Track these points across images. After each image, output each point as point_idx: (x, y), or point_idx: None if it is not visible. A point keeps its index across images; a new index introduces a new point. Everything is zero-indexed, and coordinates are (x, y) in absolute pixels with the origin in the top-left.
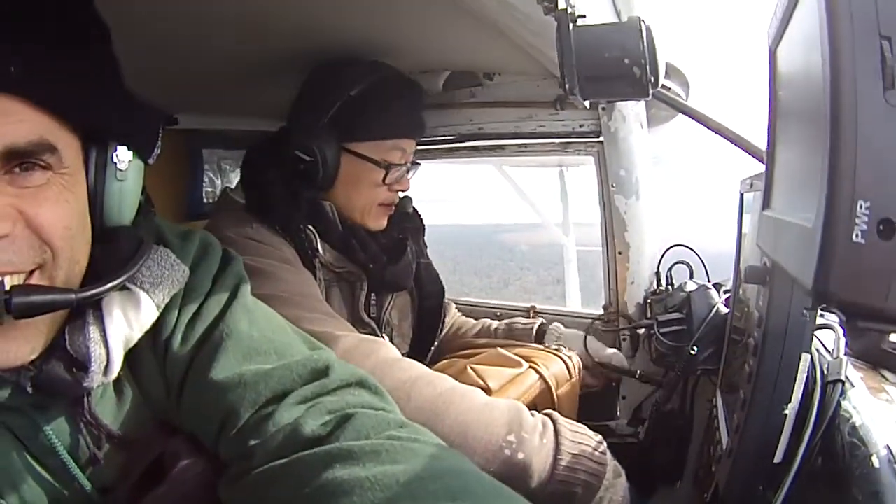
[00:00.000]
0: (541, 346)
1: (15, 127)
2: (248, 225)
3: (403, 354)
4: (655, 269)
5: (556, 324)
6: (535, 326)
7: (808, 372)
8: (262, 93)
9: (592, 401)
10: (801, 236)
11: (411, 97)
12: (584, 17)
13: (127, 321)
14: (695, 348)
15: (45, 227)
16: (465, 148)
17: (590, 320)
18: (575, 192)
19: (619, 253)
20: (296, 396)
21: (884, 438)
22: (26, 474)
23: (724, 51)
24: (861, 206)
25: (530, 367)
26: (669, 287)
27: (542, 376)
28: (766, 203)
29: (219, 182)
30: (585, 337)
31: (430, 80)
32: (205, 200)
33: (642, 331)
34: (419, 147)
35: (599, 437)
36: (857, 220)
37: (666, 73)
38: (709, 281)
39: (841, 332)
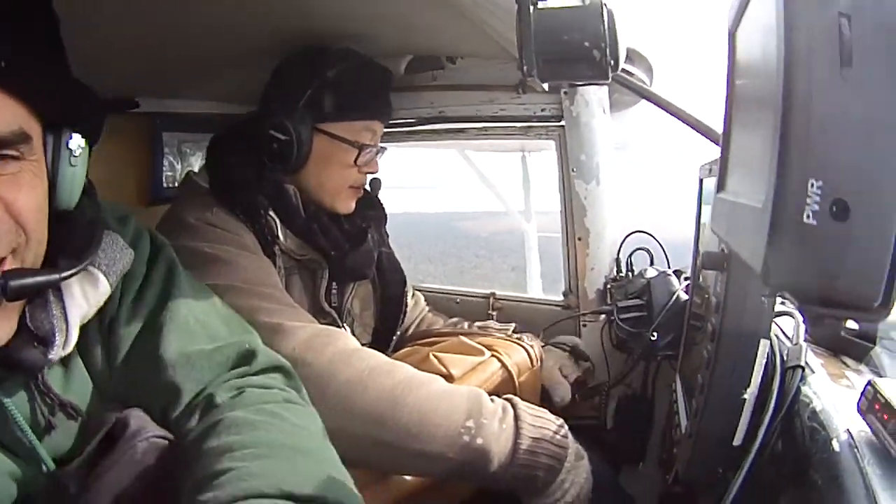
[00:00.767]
0: (502, 335)
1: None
2: (209, 210)
3: (365, 344)
4: (616, 256)
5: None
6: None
7: (767, 358)
8: (224, 77)
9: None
10: (751, 217)
11: (382, 81)
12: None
13: (85, 299)
14: (654, 334)
15: (23, 212)
16: (426, 131)
17: (549, 306)
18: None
19: (579, 239)
20: (224, 379)
21: (844, 423)
22: None
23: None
24: (812, 185)
25: (492, 355)
26: (630, 273)
27: (503, 364)
28: (720, 186)
29: (179, 166)
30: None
31: (393, 64)
32: (165, 185)
33: (602, 317)
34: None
35: (560, 421)
36: (808, 200)
37: (629, 58)
38: (669, 268)
39: (801, 318)
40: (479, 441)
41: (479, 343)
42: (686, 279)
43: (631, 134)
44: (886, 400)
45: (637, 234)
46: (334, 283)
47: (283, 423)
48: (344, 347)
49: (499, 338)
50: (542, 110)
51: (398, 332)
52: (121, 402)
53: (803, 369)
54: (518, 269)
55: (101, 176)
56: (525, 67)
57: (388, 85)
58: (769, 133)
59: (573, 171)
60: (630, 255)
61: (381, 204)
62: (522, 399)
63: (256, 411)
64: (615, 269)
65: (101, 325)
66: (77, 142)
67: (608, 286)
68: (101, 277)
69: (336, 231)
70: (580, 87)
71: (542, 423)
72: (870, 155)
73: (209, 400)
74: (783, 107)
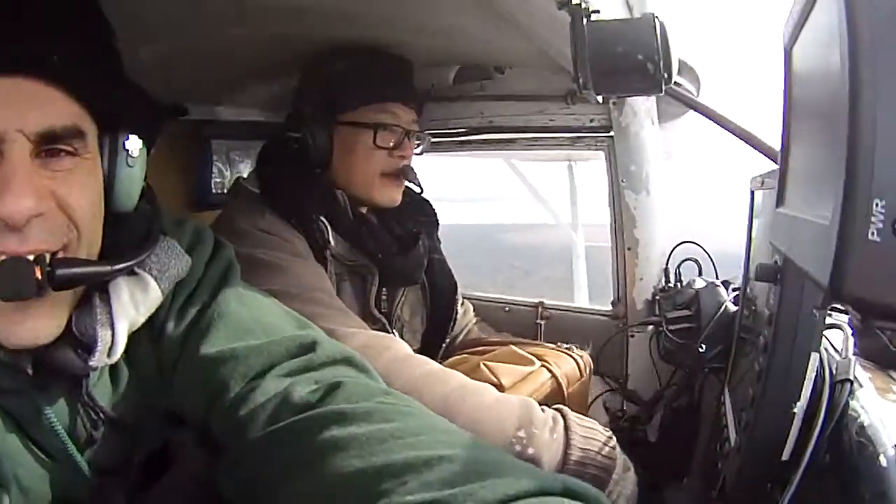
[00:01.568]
0: (552, 345)
1: (52, 111)
2: (261, 216)
3: (414, 350)
4: (664, 266)
5: None
6: None
7: (816, 371)
8: (272, 84)
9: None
10: (816, 234)
11: (394, 65)
12: (598, 12)
13: (134, 304)
14: (703, 346)
15: (75, 207)
16: (475, 141)
17: (597, 316)
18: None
19: (629, 249)
20: (282, 369)
21: (891, 438)
22: (26, 455)
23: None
24: (877, 205)
25: (542, 365)
26: (678, 284)
27: (553, 375)
28: (780, 200)
29: (228, 173)
30: None
31: (441, 74)
32: (213, 191)
33: (650, 328)
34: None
35: (609, 432)
36: (872, 219)
37: (678, 69)
38: (717, 278)
39: (850, 331)
40: (531, 451)
41: (529, 353)
42: (734, 290)
43: (678, 144)
44: None
45: (685, 244)
46: (384, 289)
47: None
48: (398, 353)
49: (549, 348)
50: (591, 121)
51: (447, 340)
52: (170, 410)
53: (852, 383)
54: (553, 281)
55: (149, 182)
56: (580, 81)
57: (400, 66)
58: (832, 151)
59: (623, 181)
60: (678, 266)
61: (434, 210)
62: (571, 409)
63: (380, 401)
64: (663, 280)
65: (152, 333)
66: (134, 143)
67: (656, 297)
68: (152, 283)
69: (385, 234)
70: (629, 98)
71: (592, 433)
72: None
73: (285, 396)
74: (850, 130)
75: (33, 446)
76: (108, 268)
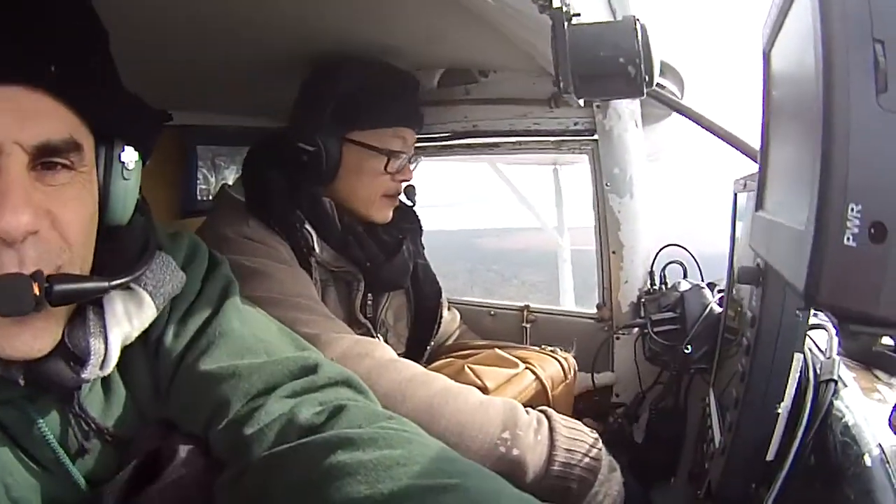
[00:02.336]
0: (536, 348)
1: (50, 124)
2: (245, 223)
3: (399, 355)
4: (649, 269)
5: None
6: None
7: (801, 371)
8: (257, 90)
9: (587, 400)
10: (792, 239)
11: (409, 89)
12: (579, 15)
13: (128, 318)
14: (688, 347)
15: (68, 226)
16: (459, 145)
17: (583, 319)
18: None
19: (613, 252)
20: (285, 390)
21: (876, 437)
22: (18, 466)
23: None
24: (853, 210)
25: (526, 367)
26: (663, 286)
27: (538, 377)
28: (759, 204)
29: (213, 179)
30: None
31: (426, 78)
32: (199, 198)
33: (636, 330)
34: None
35: (594, 434)
36: (848, 224)
37: (661, 71)
38: (702, 280)
39: (834, 332)
40: (515, 452)
41: (513, 355)
42: (720, 292)
43: (662, 146)
44: None
45: (670, 247)
46: (369, 295)
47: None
48: (381, 357)
49: (533, 351)
50: (575, 124)
51: (432, 344)
52: (166, 423)
53: (836, 383)
54: (531, 285)
55: None
56: (561, 84)
57: (413, 91)
58: (807, 155)
59: (607, 185)
60: (664, 268)
61: (417, 216)
62: (556, 411)
63: (381, 426)
64: (649, 282)
65: (147, 347)
66: (130, 155)
67: (641, 299)
68: (147, 298)
69: (371, 242)
70: (612, 101)
71: (577, 434)
72: None
73: (291, 417)
74: (823, 133)
75: (24, 456)
76: (105, 284)
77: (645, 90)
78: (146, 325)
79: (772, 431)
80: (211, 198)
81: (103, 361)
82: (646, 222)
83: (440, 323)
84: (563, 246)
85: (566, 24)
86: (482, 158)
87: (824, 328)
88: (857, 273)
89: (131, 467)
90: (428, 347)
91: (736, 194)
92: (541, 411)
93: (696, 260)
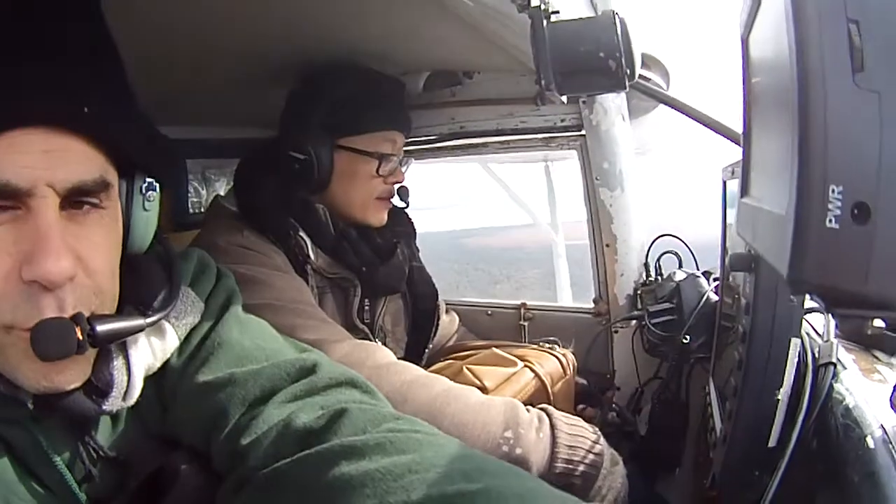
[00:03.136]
0: (535, 346)
1: (82, 165)
2: (240, 232)
3: (398, 358)
4: (644, 261)
5: None
6: None
7: (799, 356)
8: (245, 101)
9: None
10: (775, 224)
11: (396, 92)
12: (558, 13)
13: (152, 350)
14: (687, 337)
15: (98, 272)
16: (448, 147)
17: (580, 314)
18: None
19: (607, 246)
20: (285, 394)
21: (878, 419)
22: (21, 486)
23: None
24: (834, 191)
25: (525, 365)
26: (659, 277)
27: (537, 374)
28: (743, 191)
29: (204, 192)
30: None
31: (411, 81)
32: (191, 211)
33: (633, 322)
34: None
35: (595, 428)
36: (829, 206)
37: (645, 63)
38: (698, 269)
39: (830, 314)
40: (518, 451)
41: (511, 354)
42: (715, 280)
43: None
44: None
45: (665, 237)
46: (366, 300)
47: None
48: (381, 361)
49: (531, 348)
50: (562, 121)
51: (430, 346)
52: (169, 440)
53: (835, 366)
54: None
55: None
56: (543, 81)
57: (400, 95)
58: (788, 139)
59: (597, 179)
60: (658, 259)
61: (411, 219)
62: (556, 408)
63: (389, 429)
64: (644, 274)
65: (154, 372)
66: (151, 187)
67: (638, 291)
68: (170, 330)
69: (366, 247)
70: (598, 96)
71: (578, 431)
72: (887, 157)
73: (287, 423)
74: (800, 116)
75: (29, 477)
76: (142, 322)
77: (627, 83)
78: (168, 355)
79: (772, 418)
80: (203, 210)
81: (126, 393)
82: (638, 214)
83: (438, 325)
84: (557, 242)
85: (545, 21)
86: (472, 159)
87: (821, 311)
88: (842, 255)
89: (135, 490)
90: (426, 350)
91: (725, 182)
92: (541, 409)
93: (690, 249)
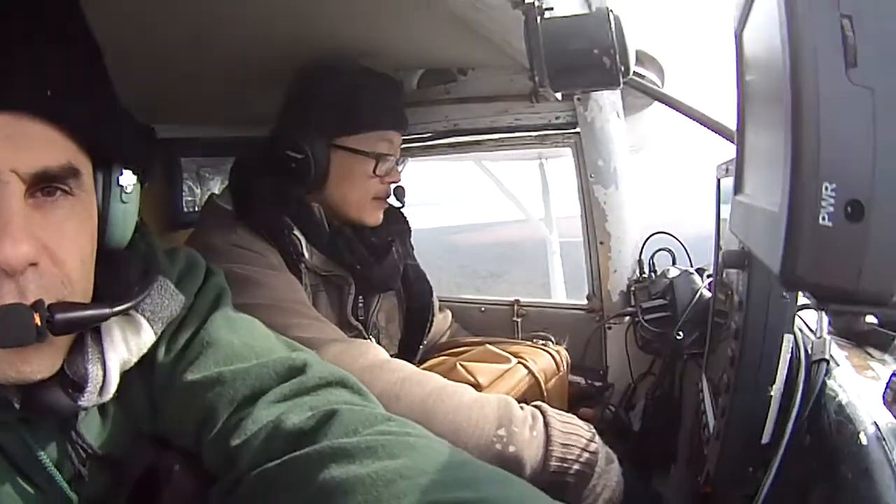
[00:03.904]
0: (528, 342)
1: (47, 150)
2: (234, 231)
3: (392, 356)
4: (638, 258)
5: None
6: None
7: (792, 352)
8: (239, 100)
9: (581, 391)
10: (768, 221)
11: (390, 90)
12: (552, 9)
13: (126, 345)
14: (680, 333)
15: (67, 261)
16: (443, 145)
17: (573, 311)
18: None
19: (601, 243)
20: (274, 394)
21: (871, 415)
22: (12, 487)
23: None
24: (827, 188)
25: (519, 362)
26: (652, 274)
27: (530, 371)
28: (737, 188)
29: (199, 191)
30: None
31: (405, 79)
32: (185, 210)
33: (626, 319)
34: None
35: (589, 426)
36: (822, 203)
37: (639, 60)
38: (691, 266)
39: (823, 311)
40: (512, 449)
41: (504, 350)
42: (709, 277)
43: (647, 135)
44: None
45: (658, 234)
46: (360, 297)
47: (428, 440)
48: (374, 359)
49: (525, 345)
50: (557, 118)
51: (424, 343)
52: (161, 440)
53: (828, 363)
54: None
55: None
56: (537, 78)
57: (397, 94)
58: (781, 136)
59: (591, 176)
60: (652, 256)
61: (405, 218)
62: (550, 405)
63: (380, 432)
64: (638, 271)
65: (142, 367)
66: (128, 178)
67: (631, 288)
68: (145, 324)
69: (361, 246)
70: (593, 93)
71: (572, 428)
72: (881, 154)
73: (277, 424)
74: (793, 112)
75: (19, 477)
76: (106, 311)
77: (621, 80)
78: (144, 350)
79: (765, 414)
80: (198, 209)
81: (102, 388)
82: (632, 212)
83: (432, 322)
84: (551, 239)
85: (539, 18)
86: (467, 157)
87: (814, 308)
88: (835, 254)
89: (127, 491)
90: (420, 347)
91: (719, 179)
92: (535, 406)
93: (684, 246)
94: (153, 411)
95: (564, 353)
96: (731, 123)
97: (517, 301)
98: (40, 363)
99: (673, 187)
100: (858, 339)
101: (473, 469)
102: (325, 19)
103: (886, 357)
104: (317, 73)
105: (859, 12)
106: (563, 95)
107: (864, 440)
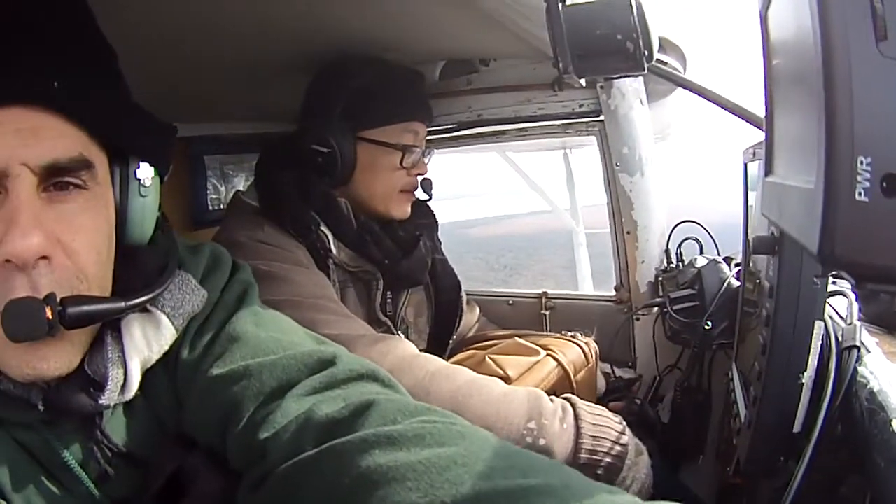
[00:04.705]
0: (557, 334)
1: (57, 142)
2: (260, 228)
3: (421, 351)
4: (665, 247)
5: None
6: None
7: (822, 340)
8: (262, 96)
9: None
10: (803, 199)
11: (413, 82)
12: None
13: (146, 342)
14: (709, 323)
15: (81, 254)
16: (466, 136)
17: (602, 302)
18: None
19: (628, 232)
20: (303, 387)
21: None
22: (39, 489)
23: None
24: (862, 163)
25: (548, 354)
26: (680, 264)
27: (559, 363)
28: (768, 169)
29: (223, 188)
30: None
31: (427, 70)
32: (210, 208)
33: (655, 309)
34: None
35: (619, 418)
36: (858, 178)
37: (661, 47)
38: (719, 255)
39: (854, 297)
40: (542, 442)
41: (533, 343)
42: (737, 265)
43: (671, 122)
44: None
45: (685, 223)
46: (389, 293)
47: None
48: (404, 353)
49: (553, 337)
50: (581, 106)
51: (453, 338)
52: (189, 438)
53: (859, 349)
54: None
55: None
56: (560, 65)
57: (420, 85)
58: (813, 114)
59: (617, 164)
60: (679, 245)
61: (433, 212)
62: (580, 397)
63: (422, 421)
64: (665, 261)
65: (167, 365)
66: (146, 171)
67: (659, 278)
68: (165, 320)
69: (388, 240)
70: (616, 80)
71: (602, 420)
72: None
73: (308, 416)
74: (825, 87)
75: (46, 478)
76: (121, 304)
77: (645, 66)
78: (167, 347)
79: (797, 403)
80: (222, 207)
81: (123, 387)
82: (658, 200)
83: (461, 317)
84: (577, 230)
85: (561, 5)
86: (490, 147)
87: (844, 294)
88: (872, 229)
89: (154, 490)
90: (450, 342)
91: (746, 164)
92: (565, 398)
93: (710, 235)
94: (179, 408)
95: (593, 344)
96: (756, 108)
97: (545, 293)
98: (56, 359)
99: (697, 175)
100: (889, 325)
101: (528, 457)
102: (346, 14)
103: None
104: (340, 66)
105: None
106: (586, 83)
107: None
